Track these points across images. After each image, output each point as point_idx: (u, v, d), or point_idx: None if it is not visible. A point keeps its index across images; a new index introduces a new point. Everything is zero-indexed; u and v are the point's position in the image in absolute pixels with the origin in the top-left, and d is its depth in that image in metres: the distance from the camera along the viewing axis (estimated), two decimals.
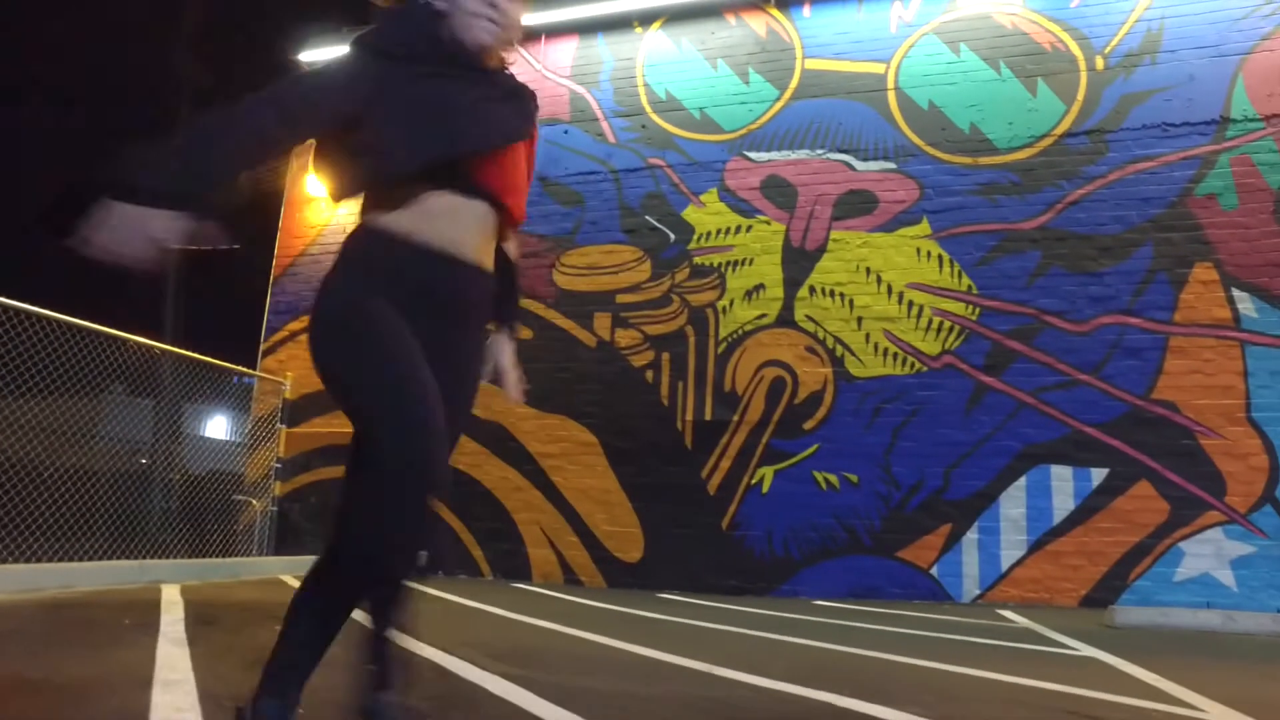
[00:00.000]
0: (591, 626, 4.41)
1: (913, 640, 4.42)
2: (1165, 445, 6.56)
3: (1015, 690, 3.00)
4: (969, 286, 7.21)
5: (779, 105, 8.07)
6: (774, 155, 7.95)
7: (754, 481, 7.34)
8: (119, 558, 6.27)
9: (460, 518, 7.90)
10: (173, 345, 7.67)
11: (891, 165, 7.63)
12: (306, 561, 7.64)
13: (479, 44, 1.75)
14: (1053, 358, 6.92)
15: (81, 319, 5.95)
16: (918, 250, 7.39)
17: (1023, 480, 6.79)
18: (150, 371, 7.42)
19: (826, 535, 7.07)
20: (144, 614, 4.28)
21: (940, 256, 7.33)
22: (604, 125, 8.51)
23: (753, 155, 8.00)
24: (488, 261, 1.80)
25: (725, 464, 7.43)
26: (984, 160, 7.45)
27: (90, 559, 6.09)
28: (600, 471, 7.67)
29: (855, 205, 7.65)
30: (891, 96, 7.78)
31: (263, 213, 9.31)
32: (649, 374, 7.76)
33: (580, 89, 8.69)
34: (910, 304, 7.31)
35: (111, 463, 7.60)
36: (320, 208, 9.27)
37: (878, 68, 7.89)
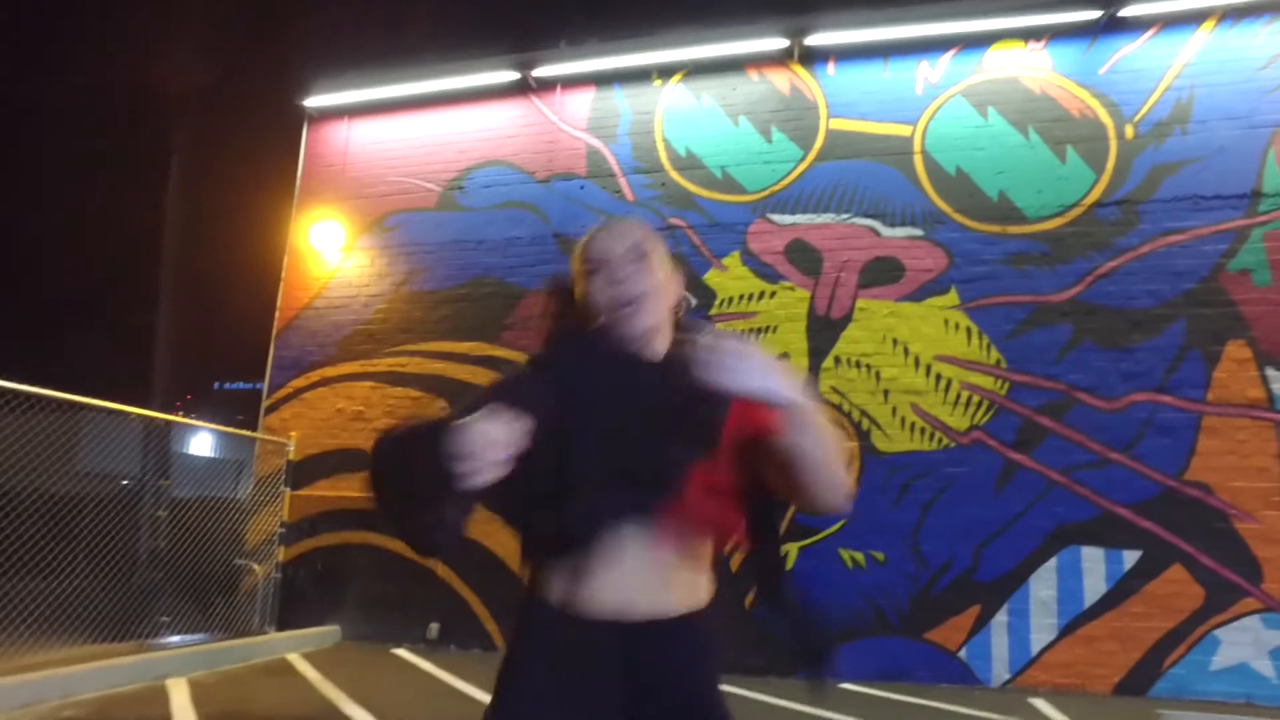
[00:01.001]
0: None
1: None
2: (1199, 528, 6.46)
3: None
4: (998, 360, 7.08)
5: (803, 166, 7.91)
6: (799, 218, 7.79)
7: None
8: (115, 630, 6.00)
9: (472, 587, 7.67)
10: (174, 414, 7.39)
11: (919, 232, 7.49)
12: (313, 636, 7.41)
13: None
14: (1084, 435, 6.80)
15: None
16: (945, 321, 7.26)
17: (1053, 561, 6.67)
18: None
19: (853, 615, 6.90)
20: None
21: (969, 329, 7.19)
22: (622, 182, 8.32)
23: (776, 218, 7.84)
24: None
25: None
26: (1013, 229, 7.33)
27: (85, 638, 5.82)
28: None
29: (882, 272, 7.50)
30: (918, 160, 7.65)
31: (262, 269, 9.04)
32: None
33: (597, 143, 8.49)
34: (938, 377, 7.17)
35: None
36: (324, 260, 8.99)
37: (904, 130, 7.75)
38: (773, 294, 7.67)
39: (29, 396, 5.45)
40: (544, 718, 1.44)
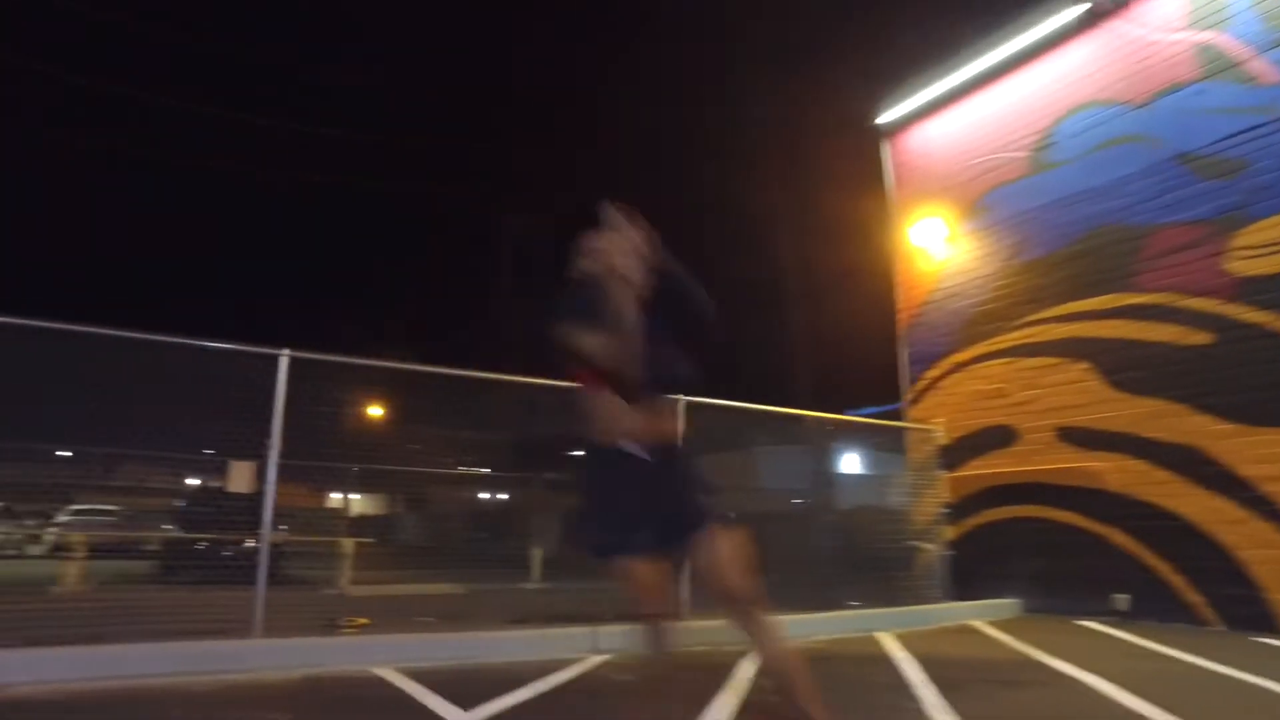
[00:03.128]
0: None
1: None
2: None
3: None
4: None
5: None
6: None
7: None
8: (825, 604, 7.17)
9: (1164, 556, 7.01)
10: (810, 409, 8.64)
11: None
12: (991, 606, 7.66)
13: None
14: None
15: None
16: None
17: None
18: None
19: None
20: (886, 672, 4.78)
21: None
22: (1255, 65, 6.93)
23: None
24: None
25: None
26: None
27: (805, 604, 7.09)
28: None
29: None
30: None
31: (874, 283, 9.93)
32: None
33: (1207, 35, 7.27)
34: None
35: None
36: (931, 254, 9.49)
37: None
38: None
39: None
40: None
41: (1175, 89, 7.43)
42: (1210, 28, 7.27)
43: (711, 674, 4.50)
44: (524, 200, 24.29)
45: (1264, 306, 6.61)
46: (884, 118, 10.17)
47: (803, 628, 6.44)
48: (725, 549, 2.43)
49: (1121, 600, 7.21)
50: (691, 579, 2.88)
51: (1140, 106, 7.68)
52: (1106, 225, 7.80)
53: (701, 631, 5.69)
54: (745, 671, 4.59)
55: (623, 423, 2.46)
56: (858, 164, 11.07)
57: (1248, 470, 6.55)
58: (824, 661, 5.27)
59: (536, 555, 12.46)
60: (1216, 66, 7.18)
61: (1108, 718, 3.66)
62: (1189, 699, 3.91)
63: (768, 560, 7.61)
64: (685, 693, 3.98)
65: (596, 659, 5.13)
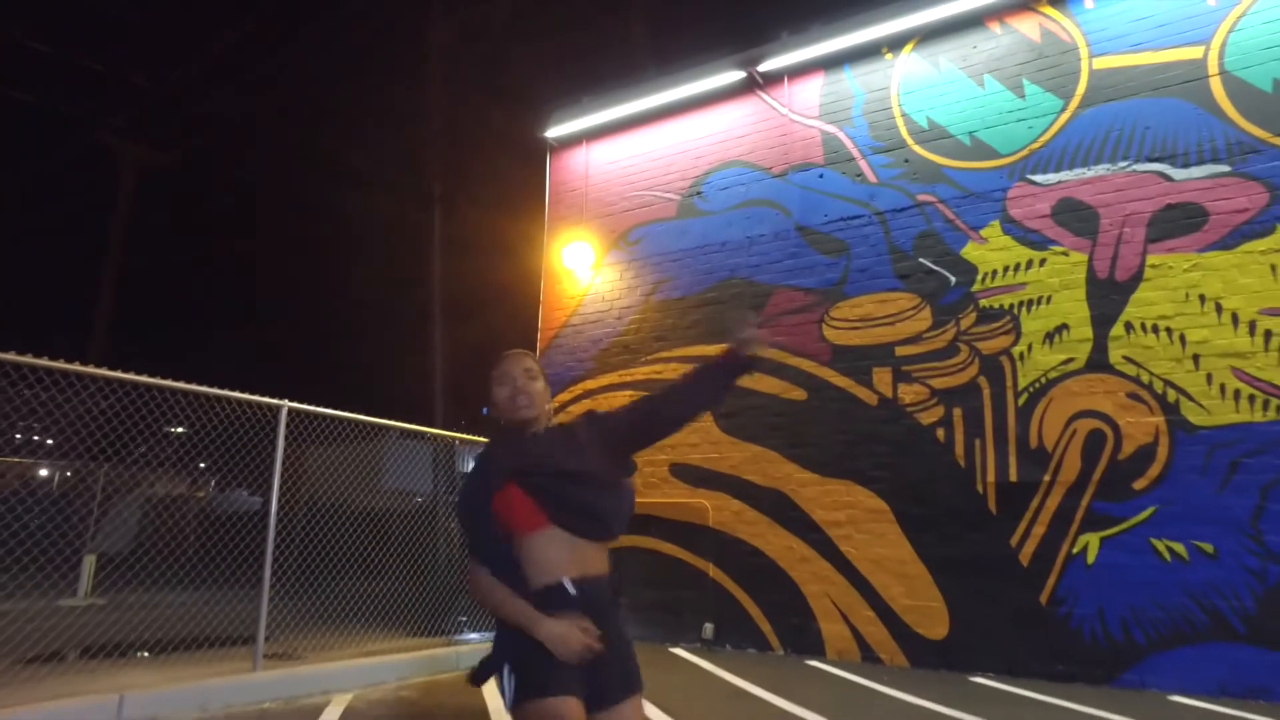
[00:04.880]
0: None
1: None
2: None
3: None
4: None
5: (1065, 117, 7.11)
6: (1065, 175, 7.00)
7: (1076, 551, 6.43)
8: (426, 625, 6.74)
9: (745, 589, 7.70)
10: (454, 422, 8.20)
11: (1224, 168, 6.41)
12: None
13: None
14: None
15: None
16: (1272, 267, 6.13)
17: None
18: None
19: (1180, 617, 6.01)
20: None
21: None
22: (862, 164, 7.98)
23: (1038, 179, 7.10)
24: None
25: (1039, 530, 6.59)
26: None
27: (401, 632, 6.58)
28: (893, 540, 7.12)
29: (1177, 223, 6.51)
30: (1216, 84, 6.56)
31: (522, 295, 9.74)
32: (940, 432, 7.10)
33: (831, 128, 8.23)
34: (1268, 334, 6.07)
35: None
36: (577, 278, 9.55)
37: (1194, 52, 6.70)
38: (1042, 261, 6.94)
39: (347, 421, 6.42)
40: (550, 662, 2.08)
41: (805, 168, 8.29)
42: (834, 122, 8.24)
43: None
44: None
45: (845, 373, 7.60)
46: (552, 131, 10.04)
47: (404, 669, 5.89)
48: None
49: (708, 629, 7.78)
50: None
51: (777, 176, 8.45)
52: (738, 278, 8.44)
53: (273, 685, 4.92)
54: None
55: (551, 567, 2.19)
56: (525, 176, 10.84)
57: (819, 515, 7.45)
58: (422, 715, 4.79)
59: (89, 564, 10.21)
60: (836, 157, 8.14)
61: None
62: (696, 705, 4.12)
63: (383, 592, 7.00)
64: None
65: None
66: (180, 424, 5.65)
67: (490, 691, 5.84)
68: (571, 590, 2.15)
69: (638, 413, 2.31)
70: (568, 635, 2.07)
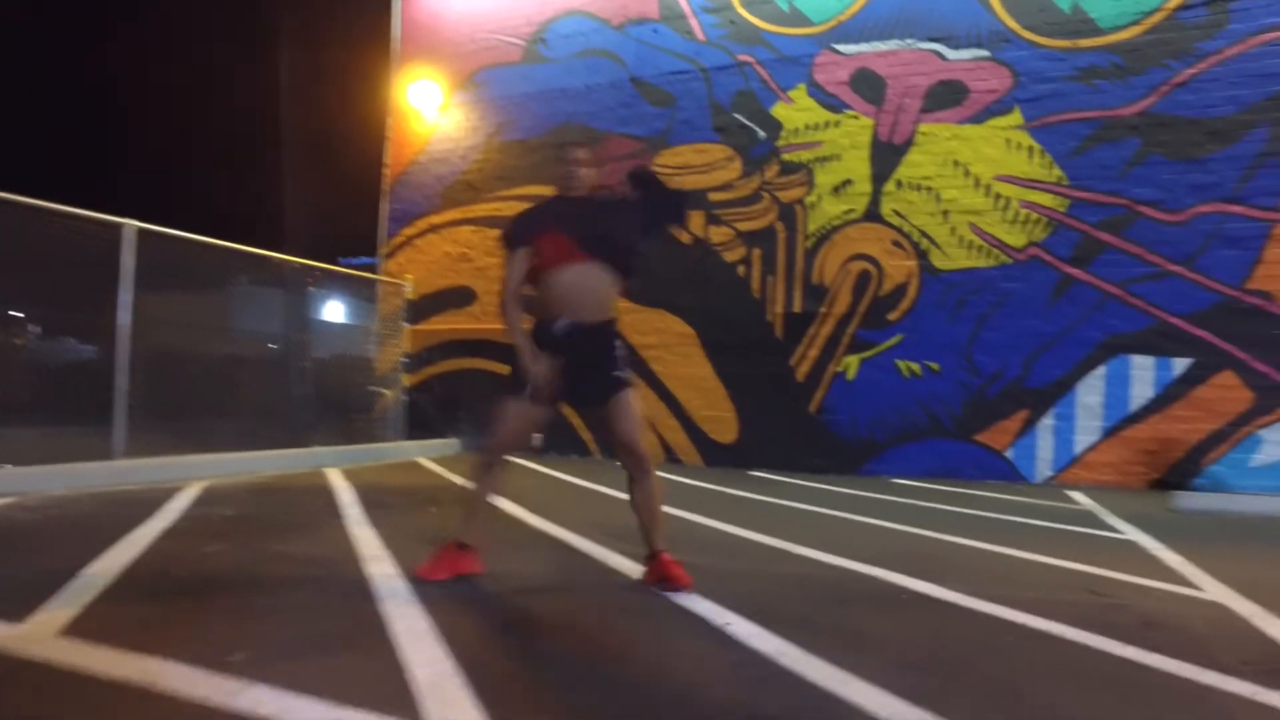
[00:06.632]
0: (695, 507, 5.14)
1: (978, 523, 4.97)
2: (1255, 335, 6.64)
3: (1046, 571, 3.55)
4: (1059, 178, 7.23)
5: None
6: (863, 47, 7.93)
7: (840, 370, 7.82)
8: (286, 442, 7.41)
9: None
10: (302, 255, 8.54)
11: (984, 53, 7.52)
12: (436, 445, 8.70)
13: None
14: (1143, 249, 6.97)
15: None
16: (1008, 141, 7.40)
17: (1102, 369, 7.04)
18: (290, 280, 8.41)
19: (909, 420, 7.56)
20: (325, 498, 5.28)
21: (1031, 147, 7.32)
22: (693, 22, 8.59)
23: (842, 48, 8.00)
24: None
25: (813, 353, 7.92)
26: (1085, 43, 7.26)
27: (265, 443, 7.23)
28: (697, 361, 8.30)
29: (945, 96, 7.63)
30: None
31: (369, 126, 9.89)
32: (741, 269, 8.20)
33: None
34: (998, 196, 7.40)
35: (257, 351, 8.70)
36: (424, 117, 9.80)
37: None
38: (837, 123, 7.95)
39: (186, 243, 6.55)
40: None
41: (641, 21, 8.80)
42: None
43: (144, 508, 4.47)
44: None
45: None
46: None
47: (257, 464, 6.58)
48: (635, 413, 3.15)
49: (538, 439, 8.81)
50: (599, 431, 3.14)
51: (616, 28, 8.92)
52: (575, 124, 9.01)
53: (133, 470, 5.50)
54: (178, 504, 4.64)
55: (560, 307, 3.09)
56: (374, 13, 10.67)
57: (635, 339, 8.46)
58: (271, 492, 5.55)
59: None
60: (669, 13, 8.70)
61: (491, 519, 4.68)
62: (542, 497, 5.18)
63: (237, 403, 7.48)
64: (108, 528, 3.93)
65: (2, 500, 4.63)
66: None
67: (333, 473, 6.67)
68: (560, 329, 3.08)
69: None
70: (531, 370, 3.08)
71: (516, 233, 3.21)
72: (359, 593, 2.84)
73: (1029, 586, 3.23)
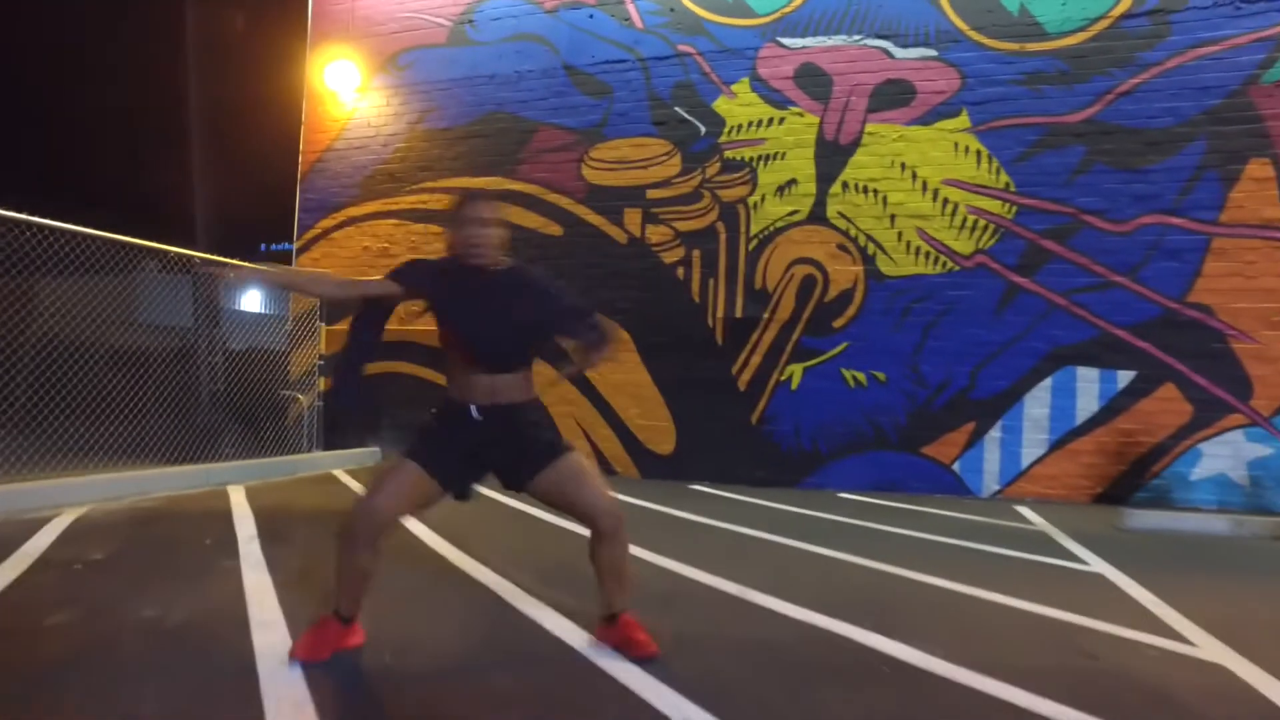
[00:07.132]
0: (635, 534, 4.70)
1: (934, 551, 4.69)
2: (1195, 348, 6.59)
3: (1023, 621, 3.26)
4: (1007, 184, 7.05)
5: None
6: (809, 41, 7.61)
7: (783, 378, 7.52)
8: (181, 456, 6.70)
9: None
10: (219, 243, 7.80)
11: (932, 52, 7.29)
12: (354, 455, 8.06)
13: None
14: (1088, 259, 6.85)
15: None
16: (955, 145, 7.19)
17: (1048, 381, 6.91)
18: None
19: (853, 431, 7.31)
20: (220, 529, 4.66)
21: (979, 152, 7.13)
22: (630, 8, 8.13)
23: (787, 42, 7.66)
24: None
25: (756, 360, 7.60)
26: (1031, 46, 7.09)
27: (156, 457, 6.51)
28: (633, 367, 7.88)
29: (892, 96, 7.38)
30: None
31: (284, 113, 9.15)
32: (680, 270, 7.81)
33: None
34: (945, 201, 7.19)
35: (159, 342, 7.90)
36: (341, 100, 9.09)
37: None
38: (781, 120, 7.62)
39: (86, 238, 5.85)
40: (438, 449, 2.65)
41: (576, 6, 8.30)
42: None
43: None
44: None
45: (599, 211, 8.05)
46: None
47: (146, 484, 5.88)
48: (588, 472, 2.70)
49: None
50: (560, 510, 2.72)
51: (549, 12, 8.39)
52: (504, 113, 8.46)
53: None
54: (35, 544, 4.00)
55: (466, 389, 2.64)
56: None
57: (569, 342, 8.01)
58: (156, 521, 4.90)
59: None
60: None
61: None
62: (475, 526, 4.69)
63: (126, 411, 6.69)
64: None
65: None
66: None
67: (236, 493, 6.02)
68: (477, 415, 2.61)
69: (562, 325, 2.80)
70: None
71: (406, 273, 2.71)
72: (239, 681, 2.32)
73: (1009, 646, 2.92)
